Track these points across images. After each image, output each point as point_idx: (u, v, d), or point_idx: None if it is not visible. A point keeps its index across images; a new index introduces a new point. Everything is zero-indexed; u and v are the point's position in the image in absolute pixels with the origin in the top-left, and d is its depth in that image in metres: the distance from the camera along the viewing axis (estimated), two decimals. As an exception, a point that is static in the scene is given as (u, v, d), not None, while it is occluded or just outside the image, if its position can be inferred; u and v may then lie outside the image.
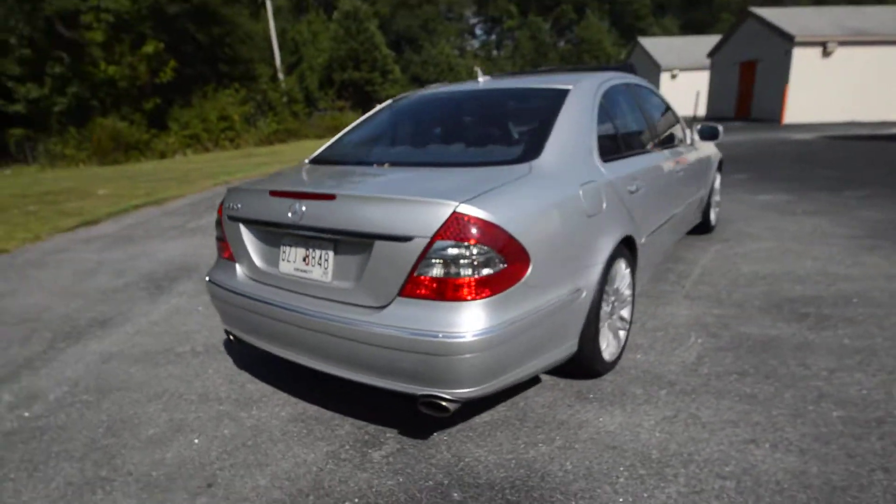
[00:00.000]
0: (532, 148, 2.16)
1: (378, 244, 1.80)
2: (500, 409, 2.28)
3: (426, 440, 2.11)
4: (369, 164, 2.44)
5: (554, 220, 1.95)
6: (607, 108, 2.66)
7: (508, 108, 2.69)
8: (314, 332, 1.94)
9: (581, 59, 48.51)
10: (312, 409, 2.39)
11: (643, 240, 2.73)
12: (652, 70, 29.56)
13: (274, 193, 2.09)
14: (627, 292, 2.63)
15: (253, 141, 22.40)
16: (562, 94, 2.47)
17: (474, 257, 1.70)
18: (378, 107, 3.14)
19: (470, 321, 1.70)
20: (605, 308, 2.40)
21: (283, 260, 2.12)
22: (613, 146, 2.62)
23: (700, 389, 2.32)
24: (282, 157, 15.23)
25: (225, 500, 1.85)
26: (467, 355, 1.70)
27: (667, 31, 51.10)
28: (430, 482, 1.87)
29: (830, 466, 1.80)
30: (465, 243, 1.68)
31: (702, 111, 25.55)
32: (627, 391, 2.35)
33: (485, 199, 1.76)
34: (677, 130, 3.72)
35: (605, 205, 2.24)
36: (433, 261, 1.71)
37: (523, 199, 1.88)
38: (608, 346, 2.45)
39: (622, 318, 2.62)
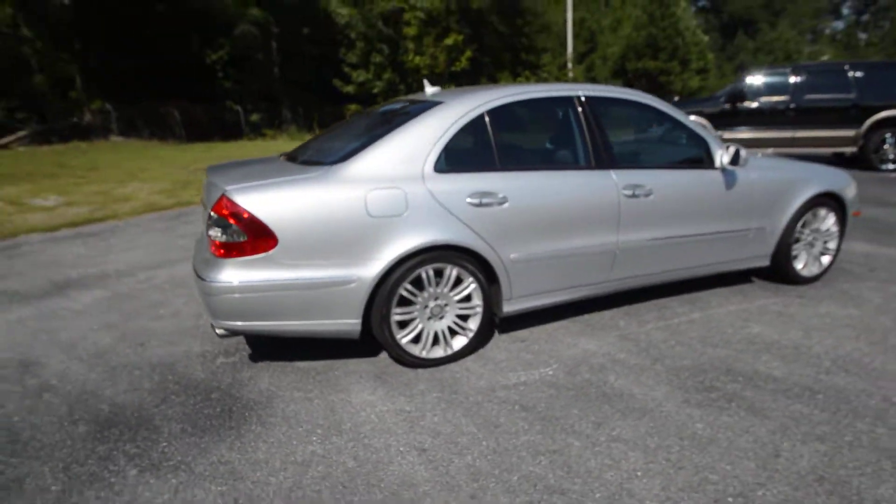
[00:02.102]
0: (349, 154, 2.62)
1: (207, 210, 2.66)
2: (317, 363, 2.86)
3: (254, 363, 2.89)
4: (281, 156, 3.21)
5: (317, 214, 2.43)
6: (487, 124, 2.77)
7: (389, 119, 3.03)
8: None
9: None
10: (236, 326, 3.40)
11: (513, 256, 2.77)
12: None
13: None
14: (477, 303, 2.77)
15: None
16: (427, 108, 2.76)
17: (226, 227, 2.39)
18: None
19: (220, 273, 2.42)
20: (421, 307, 2.68)
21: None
22: (473, 160, 2.76)
23: (458, 403, 2.44)
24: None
25: (138, 346, 3.03)
26: (216, 297, 2.44)
27: None
28: (214, 384, 2.67)
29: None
30: (222, 216, 2.39)
31: None
32: (413, 384, 2.62)
33: (249, 188, 2.42)
34: (672, 150, 3.26)
35: (408, 211, 2.53)
36: (211, 226, 2.47)
37: (287, 193, 2.44)
38: (425, 345, 2.73)
39: (462, 326, 2.79)
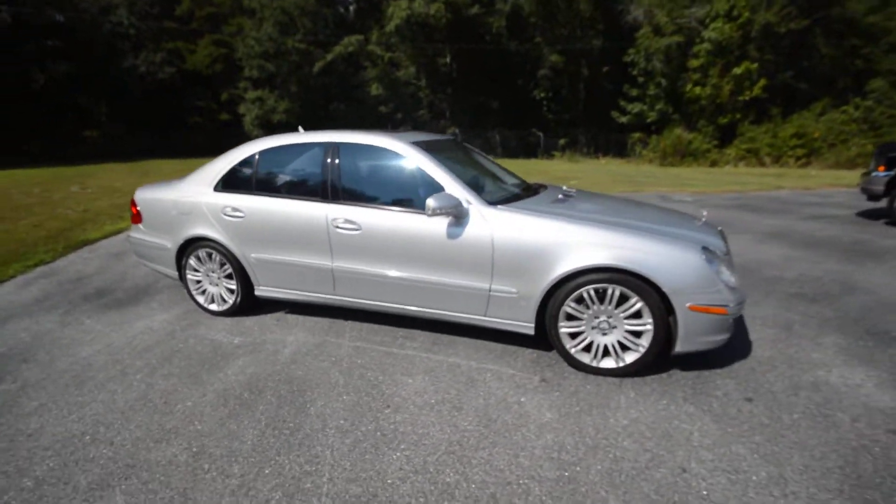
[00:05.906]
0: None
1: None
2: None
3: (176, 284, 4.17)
4: None
5: (159, 207, 3.49)
6: (255, 161, 3.22)
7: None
8: None
9: None
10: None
11: (253, 255, 3.18)
12: None
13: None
14: (234, 282, 3.32)
15: (833, 160, 17.46)
16: (239, 146, 3.35)
17: (131, 209, 3.71)
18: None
19: (129, 232, 3.78)
20: (204, 275, 3.43)
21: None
22: (238, 185, 3.23)
23: (170, 338, 3.12)
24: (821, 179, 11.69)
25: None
26: (130, 244, 3.82)
27: None
28: (143, 287, 4.08)
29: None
30: (131, 204, 3.72)
31: None
32: (186, 316, 3.41)
33: (142, 190, 3.67)
34: (404, 193, 2.86)
35: (192, 214, 3.30)
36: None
37: (150, 194, 3.57)
38: (206, 300, 3.49)
39: (228, 297, 3.38)
